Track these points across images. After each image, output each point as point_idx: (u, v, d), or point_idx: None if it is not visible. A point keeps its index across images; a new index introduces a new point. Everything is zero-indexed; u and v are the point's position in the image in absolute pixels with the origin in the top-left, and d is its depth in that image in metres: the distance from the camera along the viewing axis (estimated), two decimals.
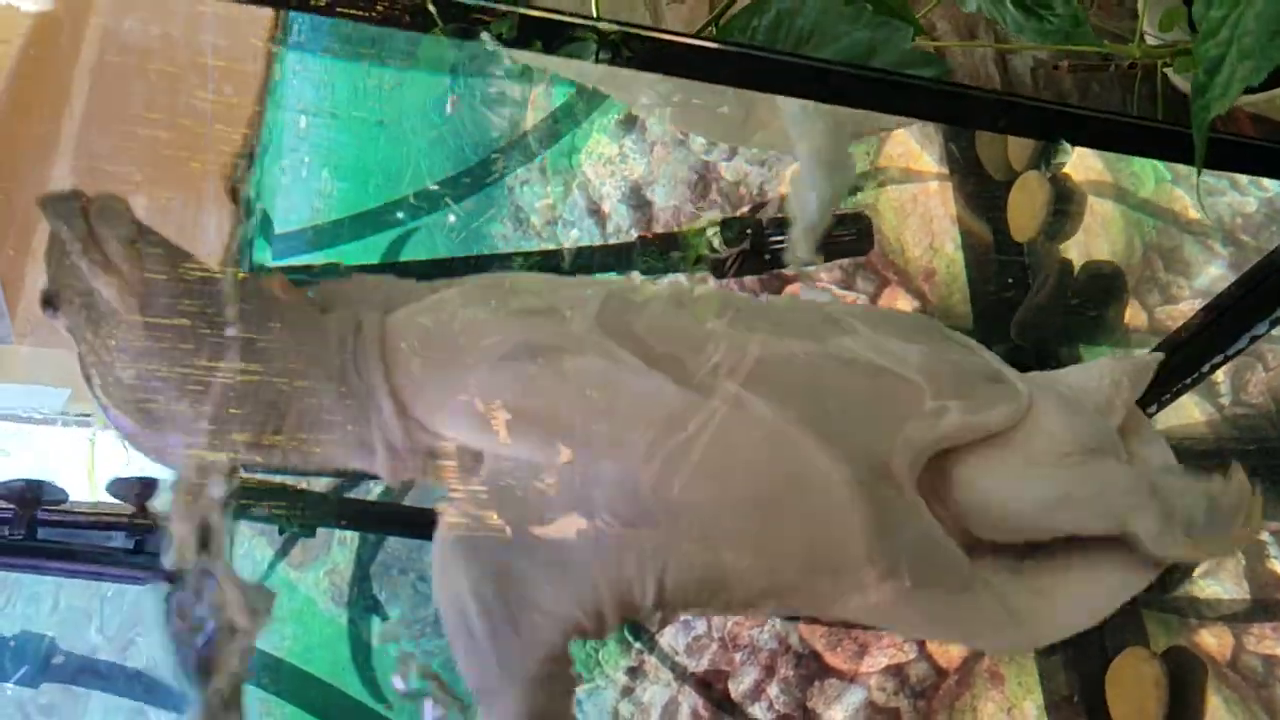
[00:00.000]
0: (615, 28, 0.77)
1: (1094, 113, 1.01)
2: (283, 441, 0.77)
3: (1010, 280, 1.31)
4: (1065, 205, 1.32)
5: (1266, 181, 1.44)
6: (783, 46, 0.92)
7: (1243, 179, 1.53)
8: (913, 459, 0.86)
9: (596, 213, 1.17)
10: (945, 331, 1.02)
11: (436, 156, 1.07)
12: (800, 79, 0.88)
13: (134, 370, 0.71)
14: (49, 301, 0.73)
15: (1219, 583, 1.27)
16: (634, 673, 1.27)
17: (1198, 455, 1.32)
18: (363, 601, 0.96)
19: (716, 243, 1.18)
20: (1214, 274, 1.36)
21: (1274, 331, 1.24)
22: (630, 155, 1.18)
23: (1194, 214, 1.37)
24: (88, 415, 1.20)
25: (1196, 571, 1.24)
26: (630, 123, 1.32)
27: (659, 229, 1.14)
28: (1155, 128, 0.99)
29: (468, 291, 0.86)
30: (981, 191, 1.33)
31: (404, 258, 1.25)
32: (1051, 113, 1.00)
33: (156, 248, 0.71)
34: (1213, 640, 1.22)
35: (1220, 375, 1.31)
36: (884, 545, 0.82)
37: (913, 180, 1.32)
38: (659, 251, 1.18)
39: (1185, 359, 1.21)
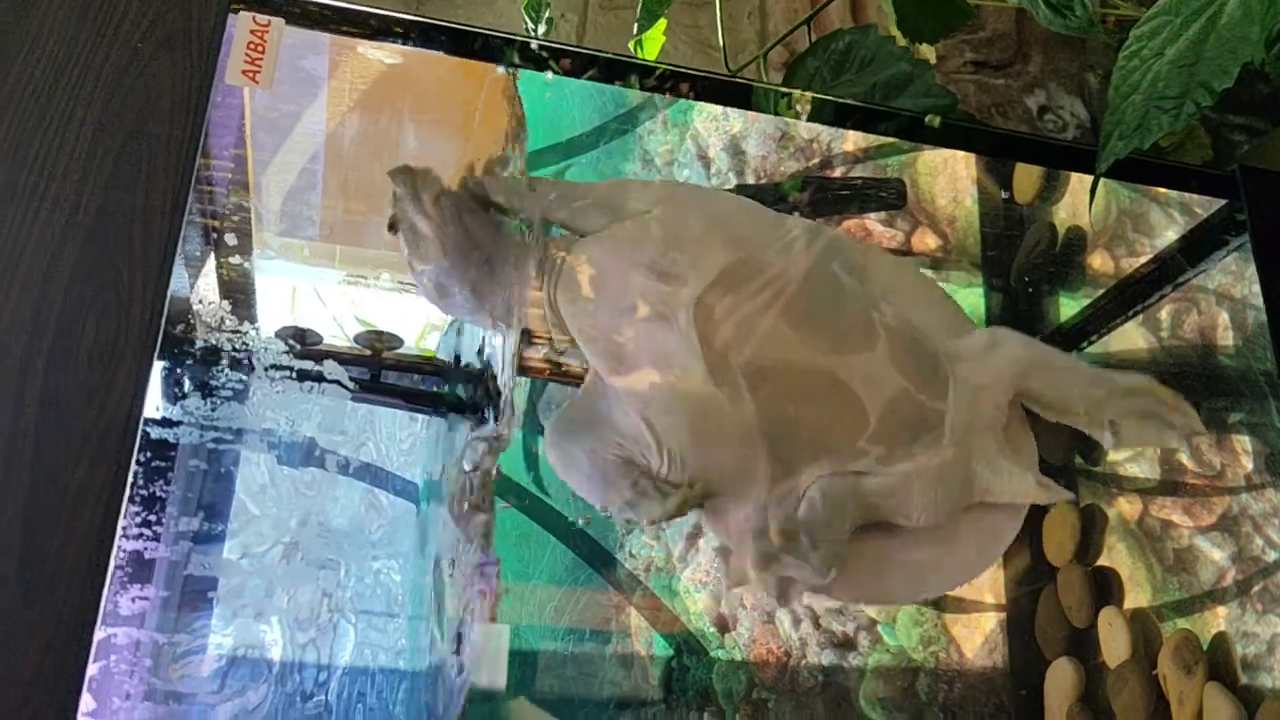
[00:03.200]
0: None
1: (1029, 136, 1.29)
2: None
3: (1012, 232, 1.52)
4: (1057, 176, 1.51)
5: None
6: (850, 69, 1.26)
7: None
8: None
9: (704, 158, 1.37)
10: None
11: (585, 110, 1.32)
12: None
13: (434, 268, 1.14)
14: (392, 225, 1.13)
15: (1139, 465, 1.44)
16: None
17: (1137, 370, 1.44)
18: (531, 426, 1.29)
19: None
20: (1170, 235, 1.54)
21: (1206, 283, 1.52)
22: (731, 114, 1.39)
23: (1160, 188, 1.55)
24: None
25: (1123, 456, 1.40)
26: None
27: (750, 175, 1.36)
28: (1076, 149, 1.28)
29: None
30: (995, 161, 1.54)
31: None
32: (1001, 136, 1.27)
33: (451, 203, 1.13)
34: (1127, 505, 1.41)
35: (1163, 313, 1.48)
36: None
37: (944, 148, 1.52)
38: (752, 197, 1.48)
39: (1135, 296, 1.47)
